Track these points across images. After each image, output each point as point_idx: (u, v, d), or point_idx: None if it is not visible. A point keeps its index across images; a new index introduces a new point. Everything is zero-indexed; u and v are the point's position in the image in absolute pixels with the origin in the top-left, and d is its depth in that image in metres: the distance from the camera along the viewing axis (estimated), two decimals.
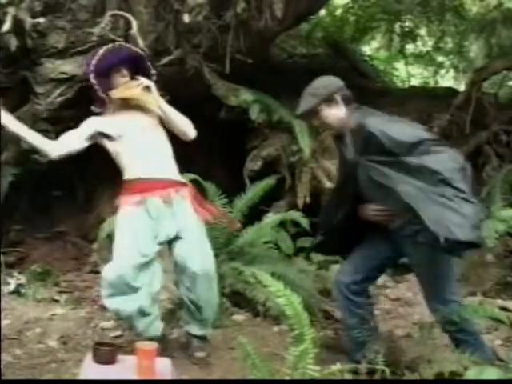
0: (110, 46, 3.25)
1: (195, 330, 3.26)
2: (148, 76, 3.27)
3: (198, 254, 3.13)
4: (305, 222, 4.54)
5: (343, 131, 2.93)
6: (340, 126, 2.96)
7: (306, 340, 2.20)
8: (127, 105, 3.24)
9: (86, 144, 3.19)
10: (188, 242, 3.13)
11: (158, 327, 3.15)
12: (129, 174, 3.20)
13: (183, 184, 3.28)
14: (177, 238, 3.15)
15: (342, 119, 2.94)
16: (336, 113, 2.95)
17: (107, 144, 3.23)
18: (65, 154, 3.15)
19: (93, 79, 3.14)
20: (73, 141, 3.16)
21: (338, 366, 2.32)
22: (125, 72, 3.18)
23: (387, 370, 2.58)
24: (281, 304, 2.26)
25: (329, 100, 2.93)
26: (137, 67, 3.25)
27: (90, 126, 3.20)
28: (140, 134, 3.20)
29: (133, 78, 3.20)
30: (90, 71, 3.14)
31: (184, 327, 3.33)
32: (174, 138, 3.28)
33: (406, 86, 8.60)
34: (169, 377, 2.42)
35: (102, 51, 3.18)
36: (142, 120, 3.25)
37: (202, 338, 3.28)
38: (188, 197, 3.23)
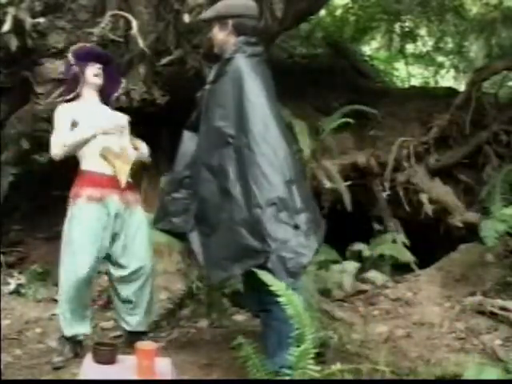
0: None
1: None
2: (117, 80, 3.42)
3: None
4: None
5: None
6: (219, 52, 2.87)
7: (306, 340, 2.19)
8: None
9: None
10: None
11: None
12: (87, 164, 3.15)
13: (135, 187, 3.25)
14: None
15: (222, 46, 2.85)
16: (222, 38, 2.85)
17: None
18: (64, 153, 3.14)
19: (72, 59, 3.24)
20: (67, 137, 3.13)
21: (338, 366, 2.32)
22: (98, 65, 3.27)
23: (387, 370, 2.59)
24: (282, 304, 2.26)
25: (221, 22, 2.84)
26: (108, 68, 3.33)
27: (66, 115, 3.18)
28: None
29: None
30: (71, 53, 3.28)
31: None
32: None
33: (406, 85, 8.60)
34: (169, 377, 2.42)
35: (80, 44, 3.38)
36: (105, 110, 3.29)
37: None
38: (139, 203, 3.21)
